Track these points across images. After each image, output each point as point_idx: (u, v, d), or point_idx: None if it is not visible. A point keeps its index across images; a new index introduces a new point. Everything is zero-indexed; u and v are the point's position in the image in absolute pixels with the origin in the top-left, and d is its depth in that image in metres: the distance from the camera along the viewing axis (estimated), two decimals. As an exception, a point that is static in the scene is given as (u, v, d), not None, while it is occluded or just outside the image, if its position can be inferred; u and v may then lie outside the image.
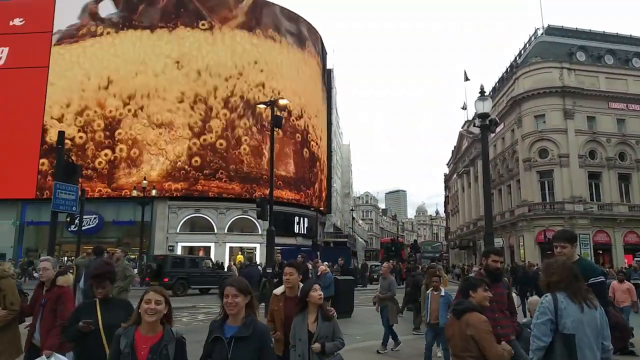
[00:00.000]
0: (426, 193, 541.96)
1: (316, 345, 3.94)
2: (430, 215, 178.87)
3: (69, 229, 27.23)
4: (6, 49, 37.09)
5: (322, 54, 47.07)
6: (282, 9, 41.23)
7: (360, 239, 78.63)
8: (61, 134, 8.51)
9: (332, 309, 4.26)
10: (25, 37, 36.96)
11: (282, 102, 20.02)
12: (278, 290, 4.66)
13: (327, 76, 48.47)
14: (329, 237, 49.66)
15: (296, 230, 38.63)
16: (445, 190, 77.83)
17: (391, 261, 36.31)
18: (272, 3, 40.86)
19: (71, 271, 18.26)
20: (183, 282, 21.28)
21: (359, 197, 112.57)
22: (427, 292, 8.36)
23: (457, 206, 63.74)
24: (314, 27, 44.89)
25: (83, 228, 23.34)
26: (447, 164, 72.54)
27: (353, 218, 69.94)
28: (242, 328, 2.97)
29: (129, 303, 3.87)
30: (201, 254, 33.94)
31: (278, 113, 17.92)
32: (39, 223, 34.09)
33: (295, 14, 42.55)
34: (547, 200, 37.03)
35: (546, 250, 27.04)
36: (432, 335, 7.84)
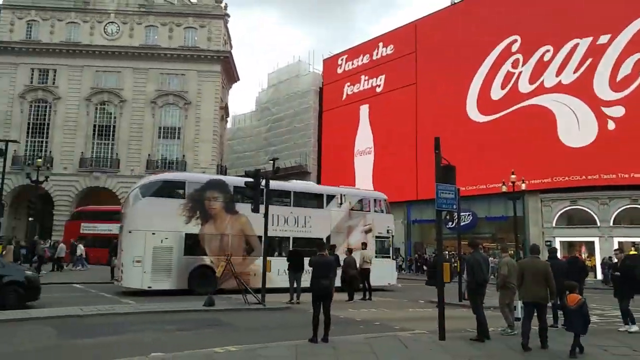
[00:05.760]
0: None
1: None
2: None
3: (447, 226, 29.60)
4: (383, 77, 44.22)
5: None
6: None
7: None
8: (437, 139, 9.38)
9: None
10: (395, 62, 43.13)
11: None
12: None
13: None
14: None
15: None
16: None
17: None
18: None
19: (455, 264, 19.84)
20: None
21: None
22: None
23: None
24: None
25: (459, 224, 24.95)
26: None
27: None
28: None
29: None
30: (583, 250, 30.95)
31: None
32: (422, 221, 38.94)
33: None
34: None
35: None
36: None
